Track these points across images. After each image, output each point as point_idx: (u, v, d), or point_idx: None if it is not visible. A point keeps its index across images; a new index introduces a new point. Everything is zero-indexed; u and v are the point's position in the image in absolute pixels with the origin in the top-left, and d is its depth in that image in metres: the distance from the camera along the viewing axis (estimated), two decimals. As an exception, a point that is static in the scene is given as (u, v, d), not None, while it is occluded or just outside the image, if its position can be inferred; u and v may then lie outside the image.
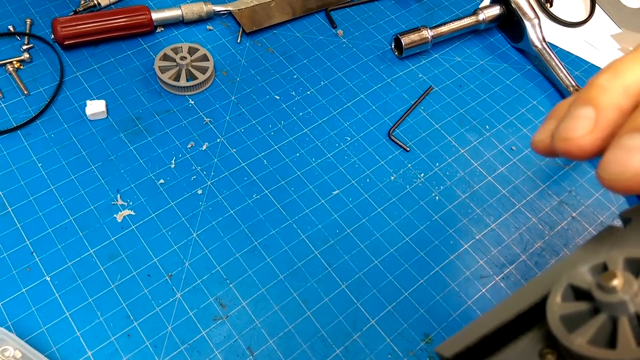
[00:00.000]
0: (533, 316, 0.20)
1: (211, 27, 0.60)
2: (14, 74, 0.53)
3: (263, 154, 0.50)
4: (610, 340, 0.17)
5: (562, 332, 0.18)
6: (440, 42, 0.60)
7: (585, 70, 0.60)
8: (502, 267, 0.45)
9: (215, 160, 0.50)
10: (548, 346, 0.19)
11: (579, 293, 0.19)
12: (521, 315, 0.20)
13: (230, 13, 0.61)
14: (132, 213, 0.46)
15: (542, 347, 0.20)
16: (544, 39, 0.58)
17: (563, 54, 0.61)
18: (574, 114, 0.21)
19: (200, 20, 0.60)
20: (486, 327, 0.20)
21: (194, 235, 0.45)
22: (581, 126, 0.20)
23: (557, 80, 0.57)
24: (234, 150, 0.51)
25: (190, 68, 0.54)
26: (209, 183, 0.48)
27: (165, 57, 0.55)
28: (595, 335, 0.17)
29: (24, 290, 0.41)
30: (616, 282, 0.17)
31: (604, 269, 0.19)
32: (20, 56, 0.55)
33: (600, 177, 0.19)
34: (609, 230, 0.21)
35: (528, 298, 0.20)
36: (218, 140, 0.51)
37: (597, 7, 0.66)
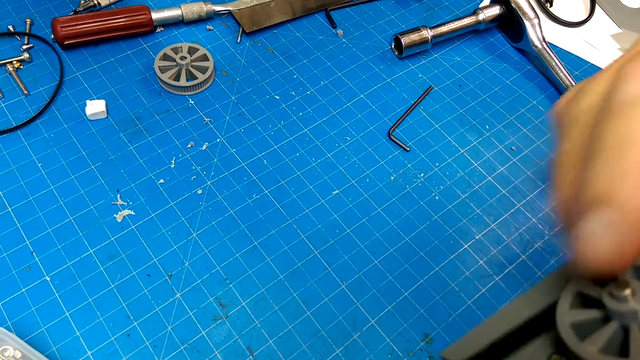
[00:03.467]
0: (541, 322, 0.20)
1: (211, 27, 0.60)
2: (14, 73, 0.53)
3: (263, 153, 0.50)
4: (622, 348, 0.17)
5: (573, 340, 0.18)
6: (440, 42, 0.60)
7: (585, 70, 0.60)
8: (502, 267, 0.45)
9: (215, 160, 0.50)
10: (557, 352, 0.19)
11: (588, 301, 0.19)
12: (529, 321, 0.20)
13: (230, 13, 0.61)
14: (132, 213, 0.46)
15: (550, 353, 0.20)
16: (544, 39, 0.58)
17: (563, 54, 0.61)
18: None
19: (200, 20, 0.60)
20: (495, 334, 0.20)
21: (194, 235, 0.45)
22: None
23: (557, 80, 0.57)
24: (234, 150, 0.50)
25: (190, 68, 0.54)
26: (208, 183, 0.48)
27: (165, 57, 0.55)
28: (607, 343, 0.17)
29: (23, 290, 0.41)
30: (628, 292, 0.17)
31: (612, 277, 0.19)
32: (20, 56, 0.55)
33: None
34: None
35: (536, 304, 0.20)
36: (218, 140, 0.51)
37: (597, 7, 0.66)
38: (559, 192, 0.21)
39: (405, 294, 0.43)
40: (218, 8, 0.60)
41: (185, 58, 0.54)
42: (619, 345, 0.17)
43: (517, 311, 0.20)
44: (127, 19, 0.56)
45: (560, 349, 0.19)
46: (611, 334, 0.17)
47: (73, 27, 0.54)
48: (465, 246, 0.46)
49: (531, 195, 0.50)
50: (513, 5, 0.59)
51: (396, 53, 0.59)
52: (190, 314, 0.41)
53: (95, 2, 0.59)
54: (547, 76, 0.58)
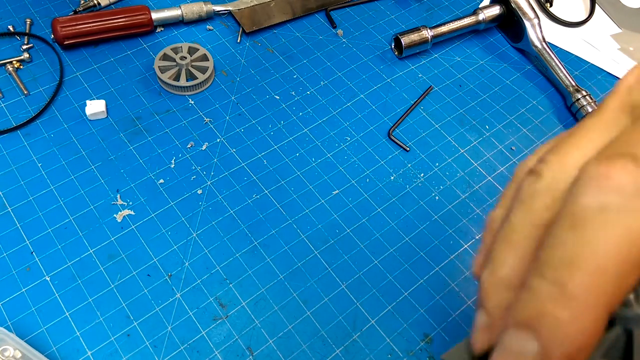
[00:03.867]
0: None
1: (211, 27, 0.60)
2: (13, 73, 0.53)
3: (263, 153, 0.50)
4: (624, 354, 0.17)
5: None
6: (440, 42, 0.60)
7: (585, 70, 0.60)
8: (502, 267, 0.45)
9: (215, 160, 0.50)
10: None
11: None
12: None
13: (230, 13, 0.61)
14: (132, 213, 0.46)
15: None
16: (543, 39, 0.58)
17: (563, 54, 0.61)
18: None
19: (200, 20, 0.60)
20: None
21: (194, 235, 0.45)
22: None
23: (557, 80, 0.57)
24: (234, 150, 0.50)
25: (190, 68, 0.54)
26: (208, 183, 0.48)
27: (165, 57, 0.55)
28: (609, 348, 0.17)
29: (23, 290, 0.41)
30: (632, 296, 0.16)
31: None
32: (20, 56, 0.55)
33: None
34: None
35: None
36: (218, 140, 0.51)
37: (597, 7, 0.66)
38: (491, 276, 0.19)
39: (405, 294, 0.43)
40: (218, 8, 0.60)
41: (185, 58, 0.54)
42: (622, 350, 0.17)
43: None
44: (127, 19, 0.56)
45: None
46: (614, 338, 0.17)
47: (73, 27, 0.54)
48: (465, 246, 0.46)
49: (531, 195, 0.50)
50: (513, 5, 0.59)
51: (396, 53, 0.59)
52: (190, 314, 0.41)
53: (95, 2, 0.59)
54: (547, 76, 0.58)
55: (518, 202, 0.19)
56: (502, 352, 0.17)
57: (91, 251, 0.44)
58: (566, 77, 0.56)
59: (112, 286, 0.42)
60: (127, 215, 0.46)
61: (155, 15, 0.57)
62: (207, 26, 0.60)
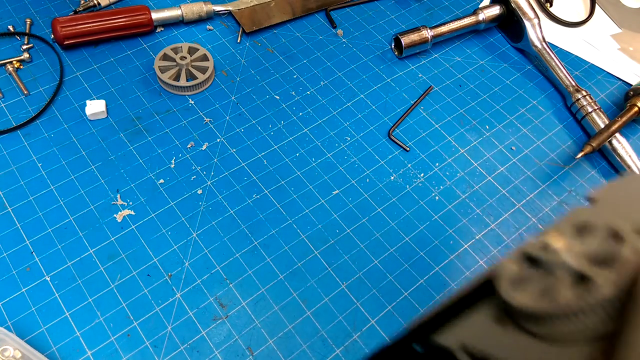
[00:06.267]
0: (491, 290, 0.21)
1: (211, 27, 0.60)
2: (13, 73, 0.53)
3: (263, 154, 0.50)
4: (553, 294, 0.18)
5: (507, 292, 0.18)
6: (440, 42, 0.60)
7: (585, 70, 0.60)
8: (502, 267, 0.45)
9: (215, 160, 0.50)
10: (503, 313, 0.20)
11: (527, 258, 0.19)
12: (479, 291, 0.21)
13: (230, 13, 0.61)
14: (132, 213, 0.46)
15: (497, 313, 0.20)
16: (543, 39, 0.58)
17: (563, 54, 0.61)
18: None
19: (200, 20, 0.60)
20: (445, 303, 0.21)
21: (194, 235, 0.45)
22: None
23: (557, 80, 0.57)
24: (234, 150, 0.51)
25: (190, 68, 0.54)
26: (208, 183, 0.48)
27: (165, 57, 0.55)
28: (538, 290, 0.18)
29: (23, 290, 0.41)
30: (554, 240, 0.17)
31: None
32: (20, 56, 0.55)
33: None
34: (574, 210, 0.21)
35: (484, 275, 0.21)
36: (218, 140, 0.51)
37: (597, 7, 0.66)
38: None
39: (406, 294, 0.43)
40: (218, 8, 0.60)
41: (185, 58, 0.54)
42: (551, 292, 0.18)
43: (468, 284, 0.21)
44: (127, 19, 0.56)
45: (505, 309, 0.20)
46: (542, 283, 0.18)
47: (73, 27, 0.54)
48: (465, 246, 0.46)
49: (531, 195, 0.50)
50: (513, 5, 0.59)
51: (396, 53, 0.59)
52: (190, 314, 0.41)
53: (95, 2, 0.59)
54: (547, 76, 0.58)
55: None
56: None
57: (91, 251, 0.44)
58: (566, 77, 0.56)
59: (112, 286, 0.42)
60: (127, 215, 0.46)
61: (155, 15, 0.57)
62: (207, 26, 0.60)
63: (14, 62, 0.54)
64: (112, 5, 0.60)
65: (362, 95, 0.56)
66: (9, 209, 0.45)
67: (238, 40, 0.59)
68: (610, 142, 0.52)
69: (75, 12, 0.59)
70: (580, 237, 0.18)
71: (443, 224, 0.47)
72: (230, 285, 0.43)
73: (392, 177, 0.50)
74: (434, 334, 0.21)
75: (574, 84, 0.56)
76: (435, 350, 0.21)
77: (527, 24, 0.58)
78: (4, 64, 0.54)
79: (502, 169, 0.51)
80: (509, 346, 0.18)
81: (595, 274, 0.16)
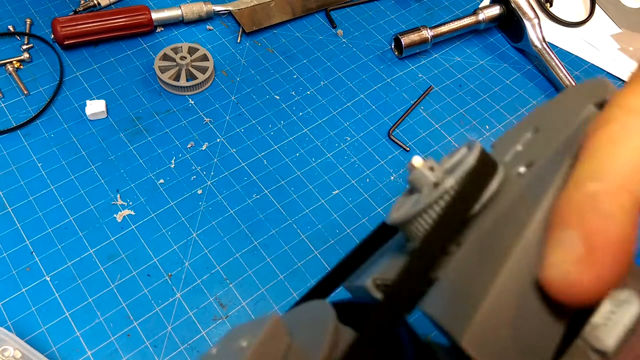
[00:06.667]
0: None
1: (211, 27, 0.60)
2: (13, 73, 0.53)
3: (263, 153, 0.50)
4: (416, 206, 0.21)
5: (389, 217, 0.21)
6: (440, 42, 0.60)
7: (585, 70, 0.60)
8: (502, 267, 0.45)
9: (215, 160, 0.50)
10: (400, 245, 0.23)
11: (408, 189, 0.22)
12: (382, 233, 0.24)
13: (230, 13, 0.61)
14: (132, 213, 0.46)
15: (396, 247, 0.23)
16: (543, 39, 0.58)
17: (563, 54, 0.61)
18: None
19: (200, 20, 0.60)
20: (355, 249, 0.24)
21: (194, 235, 0.45)
22: None
23: (557, 80, 0.57)
24: (234, 150, 0.51)
25: (190, 68, 0.54)
26: (208, 183, 0.48)
27: (165, 57, 0.55)
28: (409, 205, 0.20)
29: (23, 290, 0.41)
30: (414, 162, 0.20)
31: None
32: (20, 56, 0.55)
33: None
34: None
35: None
36: (218, 140, 0.51)
37: (597, 7, 0.66)
38: None
39: (405, 294, 0.43)
40: (218, 8, 0.60)
41: (185, 58, 0.54)
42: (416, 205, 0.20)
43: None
44: (127, 19, 0.56)
45: (400, 240, 0.23)
46: (412, 201, 0.20)
47: (73, 27, 0.54)
48: (465, 246, 0.46)
49: (531, 195, 0.50)
50: (513, 5, 0.59)
51: (396, 53, 0.59)
52: (190, 314, 0.41)
53: (95, 2, 0.59)
54: (547, 76, 0.58)
55: None
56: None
57: (91, 251, 0.44)
58: (566, 77, 0.56)
59: (112, 286, 0.42)
60: (127, 215, 0.46)
61: (155, 15, 0.57)
62: (207, 26, 0.60)
63: (14, 62, 0.54)
64: (112, 5, 0.60)
65: (362, 95, 0.56)
66: (9, 209, 0.45)
67: (238, 40, 0.59)
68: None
69: (75, 12, 0.59)
70: (447, 159, 0.21)
71: (443, 224, 0.47)
72: (230, 285, 0.43)
73: (392, 177, 0.50)
74: (352, 279, 0.24)
75: (574, 84, 0.56)
76: (358, 293, 0.23)
77: (527, 24, 0.58)
78: (4, 64, 0.54)
79: (502, 169, 0.51)
80: (399, 267, 0.20)
81: (445, 179, 0.19)
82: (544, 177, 0.18)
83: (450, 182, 0.18)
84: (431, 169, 0.20)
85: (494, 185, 0.19)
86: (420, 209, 0.19)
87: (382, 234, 0.24)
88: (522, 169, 0.19)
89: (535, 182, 0.18)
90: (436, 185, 0.19)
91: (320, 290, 0.24)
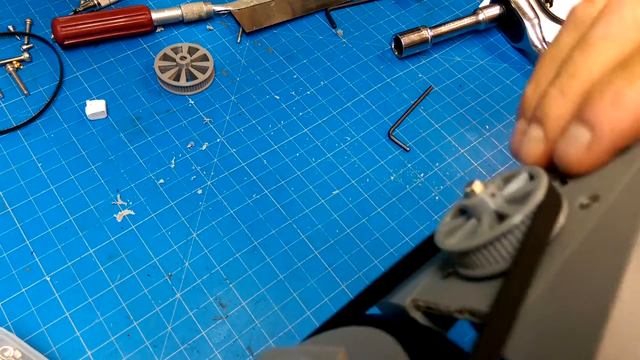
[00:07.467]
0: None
1: (211, 27, 0.60)
2: (13, 73, 0.53)
3: (263, 154, 0.50)
4: (476, 234, 0.20)
5: (441, 240, 0.20)
6: (440, 42, 0.60)
7: (585, 70, 0.60)
8: (502, 267, 0.45)
9: (215, 160, 0.50)
10: (445, 265, 0.22)
11: (459, 210, 0.21)
12: (424, 251, 0.23)
13: (230, 13, 0.61)
14: (132, 213, 0.46)
15: (440, 266, 0.22)
16: (544, 38, 0.58)
17: (563, 54, 0.61)
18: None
19: (200, 20, 0.60)
20: (394, 266, 0.23)
21: (194, 235, 0.45)
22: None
23: (557, 80, 0.57)
24: (234, 150, 0.51)
25: (190, 68, 0.54)
26: (208, 183, 0.48)
27: (165, 57, 0.55)
28: (465, 234, 0.19)
29: (23, 290, 0.41)
30: (474, 187, 0.19)
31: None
32: (20, 56, 0.55)
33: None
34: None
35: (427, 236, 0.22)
36: (218, 140, 0.51)
37: (597, 7, 0.66)
38: (531, 82, 0.22)
39: (405, 294, 0.43)
40: (218, 8, 0.60)
41: (185, 58, 0.54)
42: (474, 234, 0.20)
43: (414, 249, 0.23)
44: (127, 19, 0.56)
45: (450, 262, 0.22)
46: (469, 227, 0.19)
47: (73, 27, 0.54)
48: (465, 246, 0.46)
49: (531, 195, 0.50)
50: (513, 5, 0.59)
51: (396, 53, 0.59)
52: (190, 314, 0.41)
53: (95, 2, 0.59)
54: (547, 76, 0.58)
55: (570, 23, 0.22)
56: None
57: (91, 251, 0.44)
58: (566, 77, 0.56)
59: (112, 286, 0.42)
60: (127, 215, 0.46)
61: (155, 15, 0.57)
62: (207, 26, 0.60)
63: (14, 62, 0.54)
64: (112, 5, 0.60)
65: (362, 95, 0.56)
66: (9, 209, 0.45)
67: (238, 40, 0.59)
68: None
69: (75, 12, 0.59)
70: (505, 184, 0.20)
71: (443, 224, 0.47)
72: (230, 285, 0.43)
73: (392, 177, 0.50)
74: (388, 295, 0.23)
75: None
76: (391, 309, 0.22)
77: (527, 24, 0.58)
78: (4, 64, 0.54)
79: (502, 168, 0.51)
80: (448, 292, 0.20)
81: (510, 210, 0.18)
82: (627, 214, 0.17)
83: (520, 218, 0.18)
84: (492, 195, 0.19)
85: (561, 220, 0.18)
86: (485, 241, 0.18)
87: (424, 253, 0.23)
88: (584, 200, 0.19)
89: (615, 216, 0.17)
90: (499, 215, 0.19)
91: (357, 307, 0.23)
